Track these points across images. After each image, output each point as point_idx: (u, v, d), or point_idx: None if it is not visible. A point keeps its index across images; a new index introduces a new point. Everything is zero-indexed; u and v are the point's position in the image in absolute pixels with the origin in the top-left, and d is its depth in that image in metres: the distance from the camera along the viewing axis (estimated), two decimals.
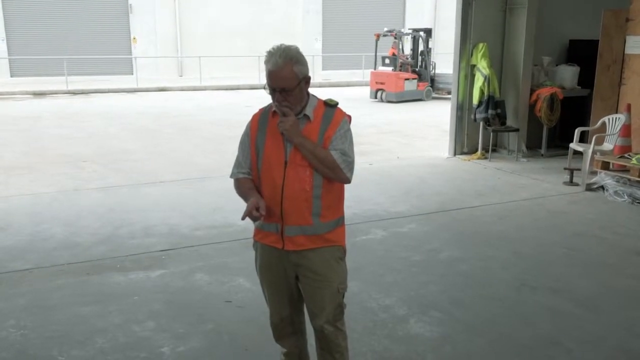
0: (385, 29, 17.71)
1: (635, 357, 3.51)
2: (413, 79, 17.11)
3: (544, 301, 4.21)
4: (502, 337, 3.71)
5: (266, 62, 2.48)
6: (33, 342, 3.59)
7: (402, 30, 17.96)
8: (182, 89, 20.21)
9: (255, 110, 2.72)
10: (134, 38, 23.63)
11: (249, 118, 2.71)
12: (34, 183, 7.51)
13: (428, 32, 17.66)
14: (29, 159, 8.98)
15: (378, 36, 17.56)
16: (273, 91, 2.50)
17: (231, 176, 2.71)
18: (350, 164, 2.57)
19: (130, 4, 23.31)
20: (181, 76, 23.94)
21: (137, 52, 23.18)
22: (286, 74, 2.45)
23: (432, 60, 17.82)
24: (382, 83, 16.76)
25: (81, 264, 4.80)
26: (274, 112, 2.57)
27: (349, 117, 2.64)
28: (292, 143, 2.51)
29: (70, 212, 6.23)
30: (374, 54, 18.15)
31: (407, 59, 17.77)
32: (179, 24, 24.06)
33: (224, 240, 5.36)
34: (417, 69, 17.51)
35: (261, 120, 2.63)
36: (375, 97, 16.95)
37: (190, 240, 5.37)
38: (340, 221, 2.70)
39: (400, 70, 17.21)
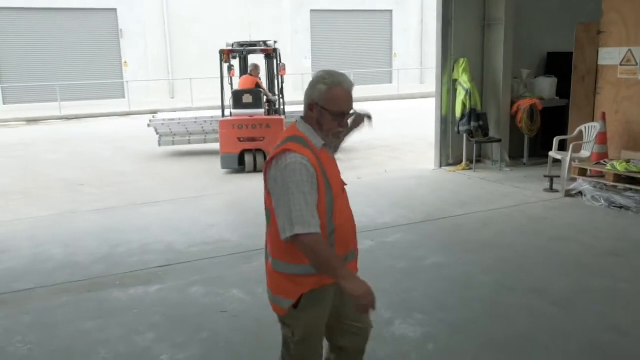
0: (235, 42, 10.89)
1: (605, 349, 3.75)
2: None
3: (522, 301, 4.46)
4: (481, 335, 3.94)
5: (336, 83, 2.31)
6: (39, 356, 3.80)
7: (269, 42, 10.94)
8: (174, 110, 20.40)
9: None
10: (125, 62, 23.97)
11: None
12: (31, 207, 7.73)
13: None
14: (25, 184, 9.19)
15: (228, 54, 10.32)
16: (342, 116, 2.36)
17: (312, 229, 2.25)
18: None
19: (121, 29, 23.68)
20: (173, 98, 24.25)
21: (128, 75, 23.50)
22: (352, 95, 2.40)
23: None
24: (252, 139, 9.44)
25: (81, 282, 5.02)
26: (323, 146, 2.43)
27: None
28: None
29: (69, 233, 6.45)
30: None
31: (274, 94, 10.94)
32: (170, 46, 24.43)
33: (218, 255, 5.59)
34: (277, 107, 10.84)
35: (316, 158, 2.36)
36: (239, 165, 9.53)
37: (186, 256, 5.60)
38: None
39: (270, 113, 10.55)
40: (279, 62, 10.47)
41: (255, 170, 9.44)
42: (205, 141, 11.47)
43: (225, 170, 9.69)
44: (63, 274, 5.23)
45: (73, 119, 19.04)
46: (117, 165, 10.60)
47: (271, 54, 10.70)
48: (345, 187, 2.59)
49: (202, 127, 11.51)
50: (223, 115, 10.30)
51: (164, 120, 11.94)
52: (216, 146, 10.89)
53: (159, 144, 11.44)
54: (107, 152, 12.19)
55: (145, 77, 23.78)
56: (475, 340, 3.88)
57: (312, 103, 2.34)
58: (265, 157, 9.27)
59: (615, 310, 4.27)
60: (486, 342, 3.84)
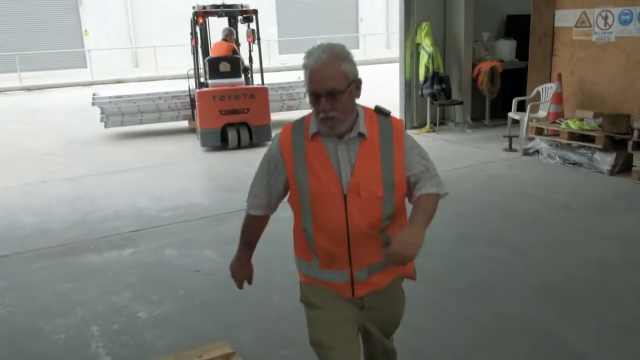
0: (208, 5, 9.84)
1: (555, 292, 4.05)
2: None
3: (480, 252, 4.74)
4: (441, 283, 4.21)
5: (306, 62, 1.96)
6: (20, 317, 3.93)
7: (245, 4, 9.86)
8: (139, 80, 20.22)
9: None
10: (85, 30, 23.43)
11: None
12: (0, 178, 7.71)
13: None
14: None
15: (202, 17, 9.46)
16: (317, 98, 1.94)
17: (248, 209, 2.24)
18: (439, 180, 2.16)
19: None
20: (137, 67, 23.88)
21: (90, 44, 23.00)
22: (333, 71, 1.92)
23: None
24: (235, 112, 8.60)
25: (56, 248, 5.12)
26: (315, 134, 2.03)
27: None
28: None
29: (40, 202, 6.50)
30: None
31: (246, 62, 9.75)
32: (131, 13, 23.93)
33: (190, 219, 5.73)
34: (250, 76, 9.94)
35: (296, 143, 2.06)
36: (222, 142, 8.69)
37: (158, 220, 5.73)
38: None
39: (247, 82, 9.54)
40: (257, 27, 9.36)
41: (239, 146, 8.59)
42: (159, 120, 10.25)
43: (203, 148, 8.77)
44: (38, 240, 5.32)
45: (34, 89, 18.67)
46: (83, 135, 10.52)
47: (250, 17, 9.52)
48: (367, 196, 2.02)
49: (156, 104, 10.17)
50: (199, 86, 9.25)
51: (110, 97, 10.50)
52: (176, 125, 10.60)
53: (105, 126, 10.02)
54: (71, 122, 12.07)
55: (107, 45, 23.30)
56: (434, 288, 4.13)
57: None
58: (250, 131, 8.63)
59: (567, 258, 4.59)
60: (448, 290, 4.11)
